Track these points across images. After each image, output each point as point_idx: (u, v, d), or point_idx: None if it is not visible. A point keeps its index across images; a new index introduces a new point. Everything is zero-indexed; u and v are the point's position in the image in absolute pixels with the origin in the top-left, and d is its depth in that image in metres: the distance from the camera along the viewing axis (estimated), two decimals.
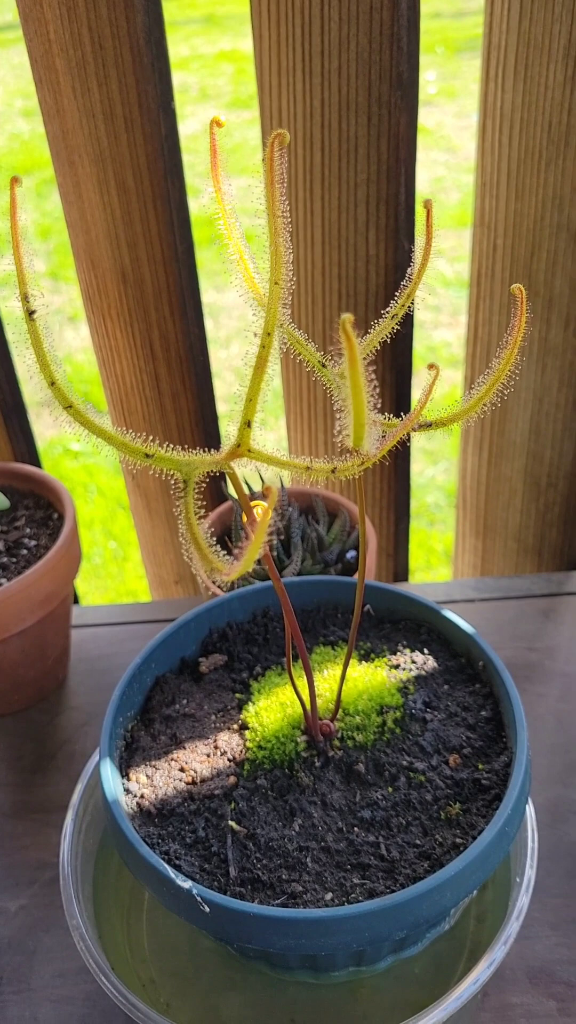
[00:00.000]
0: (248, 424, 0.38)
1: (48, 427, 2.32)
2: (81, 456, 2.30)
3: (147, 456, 0.39)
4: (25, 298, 0.36)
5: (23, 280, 0.36)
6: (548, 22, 0.68)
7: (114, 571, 1.97)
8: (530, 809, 0.59)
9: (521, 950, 0.64)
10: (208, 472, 0.42)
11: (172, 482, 0.40)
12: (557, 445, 0.88)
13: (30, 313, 0.36)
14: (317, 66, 0.68)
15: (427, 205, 0.43)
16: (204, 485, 0.91)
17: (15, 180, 0.35)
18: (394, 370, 0.81)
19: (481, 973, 0.54)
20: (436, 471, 2.21)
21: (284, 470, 0.40)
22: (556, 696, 0.81)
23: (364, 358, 0.43)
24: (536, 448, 0.89)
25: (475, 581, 0.91)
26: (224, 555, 0.38)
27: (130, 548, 1.99)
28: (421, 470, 2.18)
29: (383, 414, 0.44)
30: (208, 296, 2.60)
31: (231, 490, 0.86)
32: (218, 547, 0.39)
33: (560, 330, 0.81)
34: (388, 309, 0.45)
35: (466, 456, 0.95)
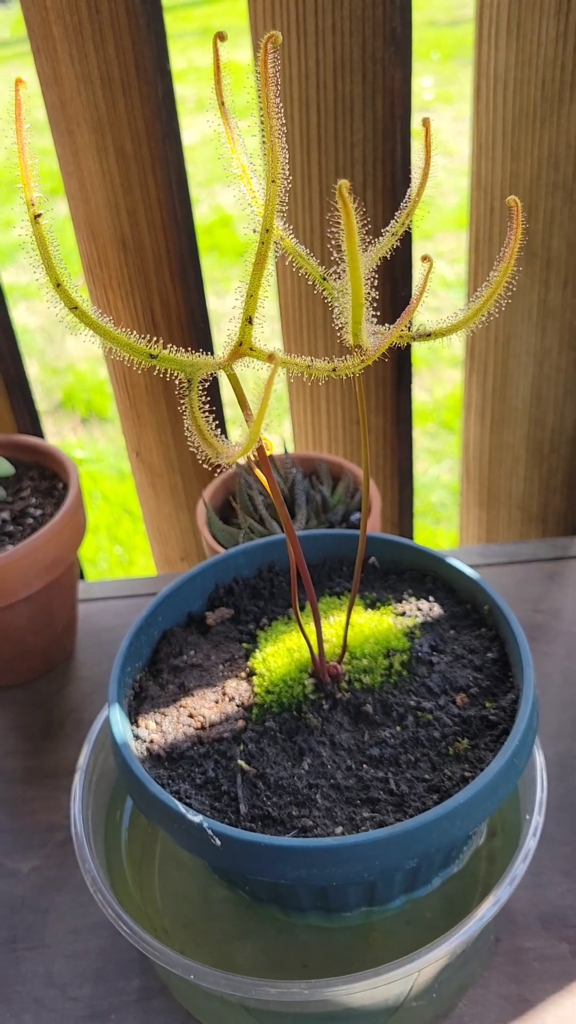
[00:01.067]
0: (249, 320, 0.39)
1: (51, 435, 2.33)
2: (85, 463, 2.30)
3: (151, 356, 0.39)
4: (30, 203, 0.37)
5: (28, 185, 0.37)
6: None
7: (120, 576, 1.97)
8: (540, 756, 0.59)
9: (533, 897, 0.63)
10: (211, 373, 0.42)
11: (177, 382, 0.40)
12: (559, 409, 0.89)
13: (36, 216, 0.37)
14: (311, 25, 0.69)
15: (425, 123, 0.43)
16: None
17: (19, 81, 0.35)
18: (396, 347, 0.82)
19: (487, 910, 0.54)
20: (440, 470, 2.21)
21: (285, 368, 0.41)
22: (562, 655, 0.81)
23: (367, 276, 0.44)
24: (538, 413, 0.89)
25: (480, 547, 0.91)
26: (226, 440, 0.38)
27: (136, 553, 2.00)
28: (425, 469, 2.19)
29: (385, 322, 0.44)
30: (208, 303, 2.62)
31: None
32: (222, 435, 0.39)
33: (559, 291, 0.82)
34: (388, 228, 0.45)
35: (468, 426, 0.96)
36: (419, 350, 2.42)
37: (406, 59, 0.69)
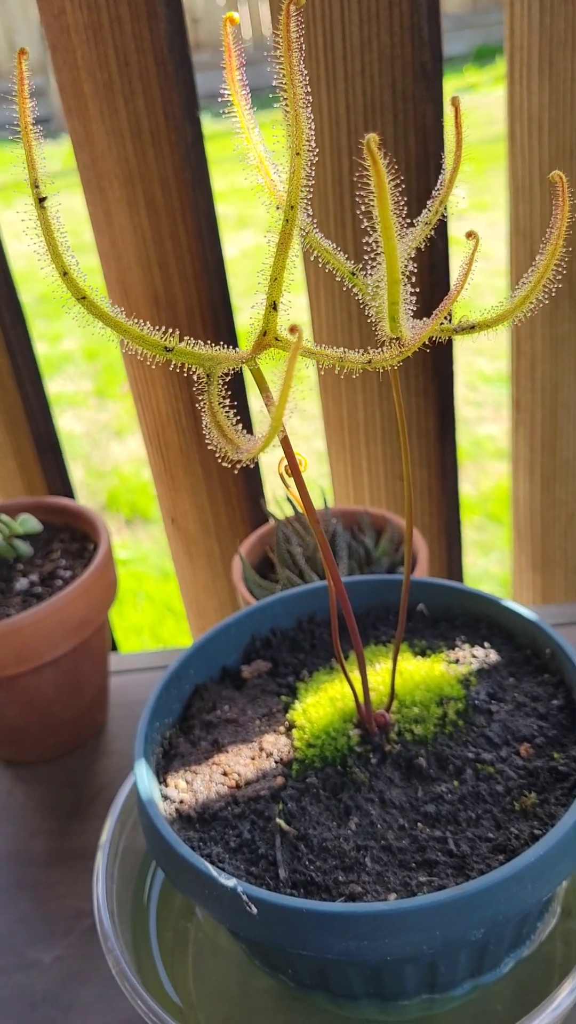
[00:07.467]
0: (274, 306, 0.35)
1: None
2: (129, 563, 2.29)
3: (167, 349, 0.36)
4: (35, 185, 0.35)
5: (32, 166, 0.34)
6: (570, 15, 0.68)
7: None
8: None
9: None
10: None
11: (195, 376, 0.37)
12: None
13: (40, 200, 0.34)
14: (340, 71, 0.68)
15: (455, 102, 0.41)
16: (243, 504, 0.88)
17: (22, 51, 0.33)
18: (437, 378, 0.78)
19: (564, 998, 0.47)
20: (489, 562, 2.16)
21: (316, 360, 0.37)
22: None
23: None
24: None
25: (536, 609, 0.85)
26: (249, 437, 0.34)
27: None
28: (473, 561, 2.14)
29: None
30: (251, 404, 2.64)
31: (271, 508, 0.83)
32: (241, 428, 0.36)
33: None
34: (421, 218, 0.42)
35: (518, 482, 0.91)
36: (462, 444, 2.40)
37: (437, 95, 0.68)
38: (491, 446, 2.49)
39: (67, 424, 2.76)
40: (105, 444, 2.72)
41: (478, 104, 4.58)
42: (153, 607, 2.16)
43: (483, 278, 3.42)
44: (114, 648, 0.99)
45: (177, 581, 0.97)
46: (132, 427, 2.67)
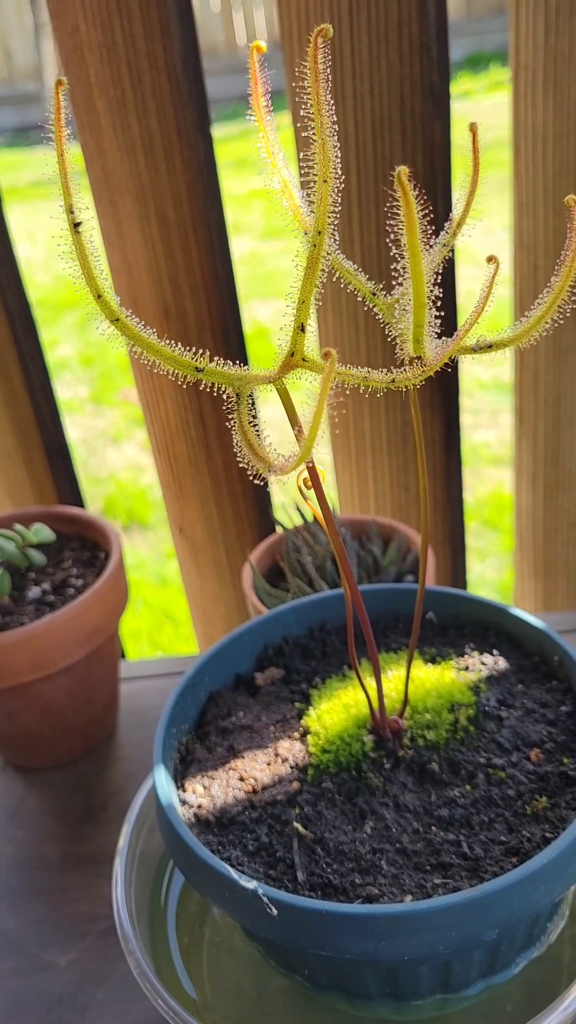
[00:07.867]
0: (302, 328, 0.36)
1: None
2: (127, 570, 2.30)
3: (198, 370, 0.37)
4: (70, 210, 0.36)
5: (68, 192, 0.36)
6: (575, 34, 0.70)
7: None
8: None
9: None
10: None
11: (225, 397, 0.38)
12: None
13: (75, 225, 0.35)
14: (349, 89, 0.70)
15: (472, 128, 0.42)
16: (250, 512, 0.89)
17: (59, 83, 0.34)
18: (442, 389, 0.80)
19: (572, 1001, 0.48)
20: (485, 568, 2.17)
21: (342, 380, 0.38)
22: None
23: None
24: None
25: (539, 617, 0.86)
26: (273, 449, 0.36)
27: None
28: (470, 567, 2.15)
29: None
30: None
31: (278, 515, 0.84)
32: (271, 445, 0.37)
33: None
34: (439, 239, 0.44)
35: (521, 492, 0.93)
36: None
37: (445, 112, 0.69)
38: (487, 453, 2.50)
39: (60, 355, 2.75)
40: (102, 451, 2.73)
41: (472, 111, 4.61)
42: (151, 614, 2.17)
43: (477, 285, 3.44)
44: (123, 655, 1.00)
45: (178, 588, 0.98)
46: (129, 434, 2.68)
